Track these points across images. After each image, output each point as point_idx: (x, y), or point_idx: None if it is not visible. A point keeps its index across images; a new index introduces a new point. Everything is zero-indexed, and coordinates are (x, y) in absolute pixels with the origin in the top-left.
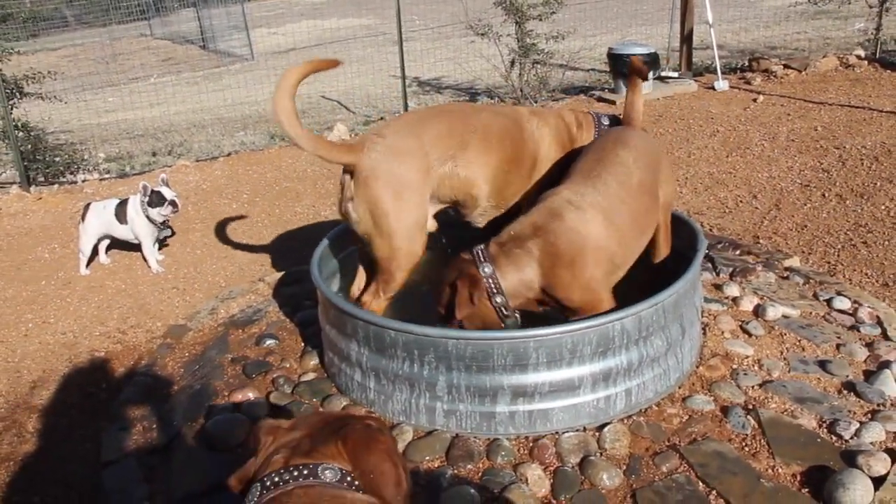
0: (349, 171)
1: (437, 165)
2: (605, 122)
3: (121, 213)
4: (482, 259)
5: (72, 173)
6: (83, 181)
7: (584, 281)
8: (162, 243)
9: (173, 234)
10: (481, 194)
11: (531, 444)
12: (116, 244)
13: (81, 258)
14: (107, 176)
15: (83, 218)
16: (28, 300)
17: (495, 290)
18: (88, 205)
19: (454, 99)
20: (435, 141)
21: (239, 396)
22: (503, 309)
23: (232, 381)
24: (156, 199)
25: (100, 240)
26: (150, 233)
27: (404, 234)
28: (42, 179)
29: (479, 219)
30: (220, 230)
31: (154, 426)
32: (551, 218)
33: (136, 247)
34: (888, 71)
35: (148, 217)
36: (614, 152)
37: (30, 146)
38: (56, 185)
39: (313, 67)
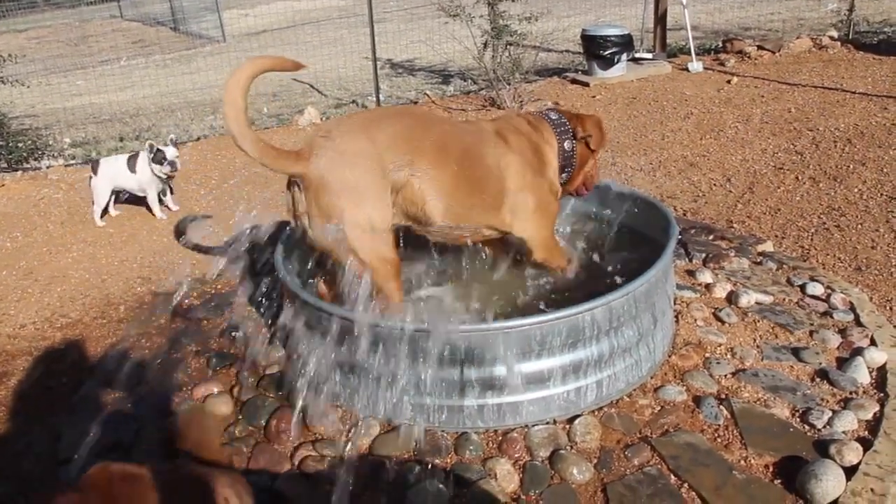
0: (297, 181)
1: (392, 170)
2: (553, 116)
3: (132, 164)
4: None
5: (36, 159)
6: (47, 167)
7: None
8: (163, 194)
9: (172, 191)
10: (434, 211)
11: (500, 438)
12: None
13: (96, 210)
14: (72, 162)
15: (95, 172)
16: None
17: None
18: (98, 160)
19: (427, 81)
20: (390, 142)
21: (202, 391)
22: None
23: (196, 374)
24: (159, 157)
25: (113, 192)
26: (155, 185)
27: (369, 244)
28: (5, 166)
29: (437, 238)
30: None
31: (115, 422)
32: None
33: (102, 235)
34: (861, 52)
35: (152, 171)
36: None
37: None
38: (19, 172)
39: (274, 64)
